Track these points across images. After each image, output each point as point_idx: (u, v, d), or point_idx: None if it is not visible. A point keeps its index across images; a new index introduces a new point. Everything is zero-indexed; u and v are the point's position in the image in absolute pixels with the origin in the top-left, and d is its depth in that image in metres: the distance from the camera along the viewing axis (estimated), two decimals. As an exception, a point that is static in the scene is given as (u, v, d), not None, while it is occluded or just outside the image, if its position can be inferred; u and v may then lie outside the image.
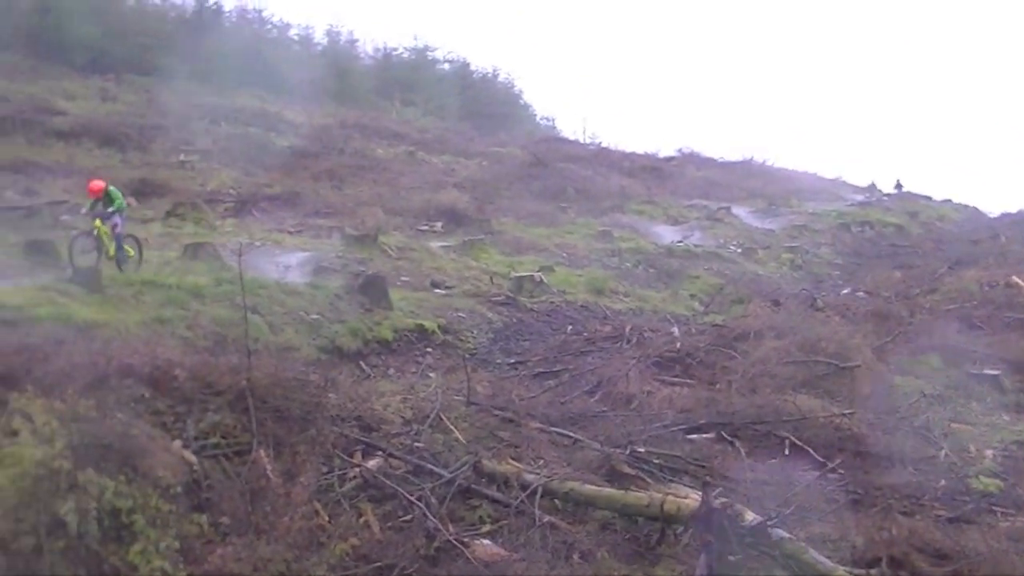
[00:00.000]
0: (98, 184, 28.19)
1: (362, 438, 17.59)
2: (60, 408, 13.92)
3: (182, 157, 55.31)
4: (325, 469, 16.23)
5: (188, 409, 16.17)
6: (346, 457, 16.81)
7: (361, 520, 15.41)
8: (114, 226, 27.64)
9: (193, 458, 15.13)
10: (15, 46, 73.09)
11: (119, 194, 28.53)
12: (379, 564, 14.34)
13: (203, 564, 13.36)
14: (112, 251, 27.55)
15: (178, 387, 16.37)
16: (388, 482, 16.27)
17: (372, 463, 16.76)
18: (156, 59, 72.63)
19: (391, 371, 24.53)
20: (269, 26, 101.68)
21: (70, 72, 68.76)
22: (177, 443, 15.26)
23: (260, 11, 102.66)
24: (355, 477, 16.37)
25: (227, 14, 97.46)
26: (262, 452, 15.70)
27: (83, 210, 29.05)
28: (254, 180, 52.26)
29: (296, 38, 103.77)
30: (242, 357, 17.64)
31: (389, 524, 15.51)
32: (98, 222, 27.53)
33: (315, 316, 25.99)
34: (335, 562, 14.04)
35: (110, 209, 27.66)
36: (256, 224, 41.78)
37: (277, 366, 17.94)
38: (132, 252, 28.44)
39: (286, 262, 30.95)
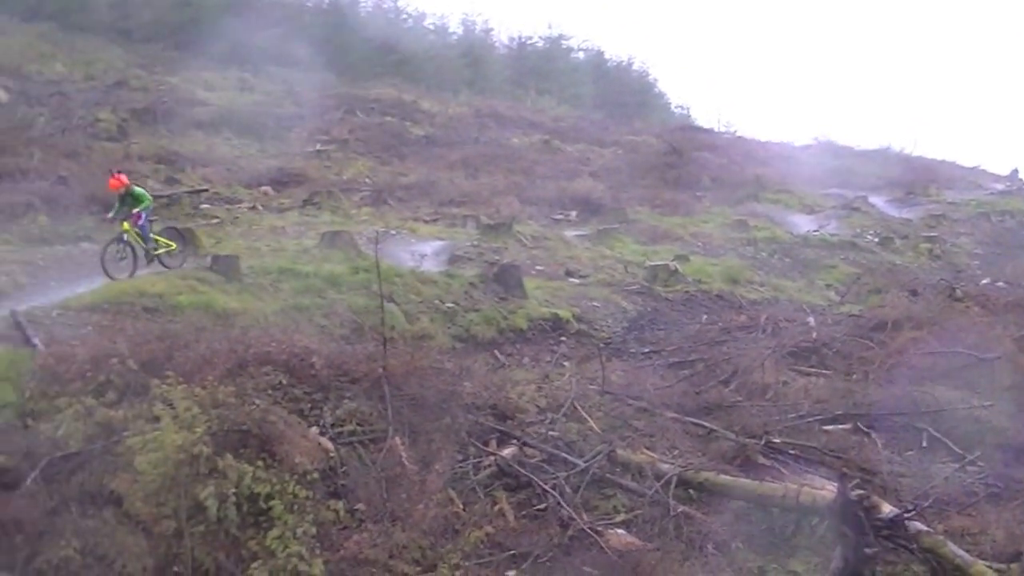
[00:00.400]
0: (117, 180, 25.98)
1: (497, 426, 17.68)
2: (200, 394, 14.21)
3: (318, 147, 55.79)
4: (460, 457, 16.38)
5: (325, 396, 16.44)
6: (481, 445, 16.93)
7: (495, 508, 15.51)
8: (136, 218, 25.50)
9: (330, 445, 15.35)
10: (157, 38, 74.49)
11: (145, 194, 26.47)
12: (513, 552, 14.45)
13: (339, 550, 13.55)
14: (150, 251, 25.85)
15: (315, 374, 16.63)
16: (522, 471, 16.34)
17: (507, 451, 16.82)
18: (293, 50, 73.31)
19: (526, 360, 24.51)
20: (404, 16, 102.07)
21: (210, 63, 69.68)
22: (314, 430, 15.49)
23: (395, 1, 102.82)
24: (490, 465, 16.46)
25: (363, 4, 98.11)
26: (398, 439, 15.87)
27: (108, 215, 26.72)
28: (390, 169, 52.62)
29: (431, 28, 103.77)
30: (378, 345, 17.87)
31: (523, 512, 15.61)
32: (126, 225, 25.33)
33: (450, 304, 26.09)
34: (470, 549, 14.14)
35: (136, 210, 25.58)
36: (392, 213, 42.06)
37: (413, 354, 18.11)
38: (174, 245, 26.77)
39: (421, 250, 31.06)
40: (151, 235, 26.13)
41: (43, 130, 48.23)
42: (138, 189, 26.33)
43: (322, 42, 76.45)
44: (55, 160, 40.61)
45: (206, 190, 41.03)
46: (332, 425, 15.88)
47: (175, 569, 13.08)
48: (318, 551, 13.33)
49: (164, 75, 65.89)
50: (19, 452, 14.23)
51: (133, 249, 25.31)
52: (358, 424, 16.13)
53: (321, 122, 60.31)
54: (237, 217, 37.50)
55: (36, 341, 19.20)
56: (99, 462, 14.14)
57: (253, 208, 39.58)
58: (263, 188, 43.88)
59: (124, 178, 26.11)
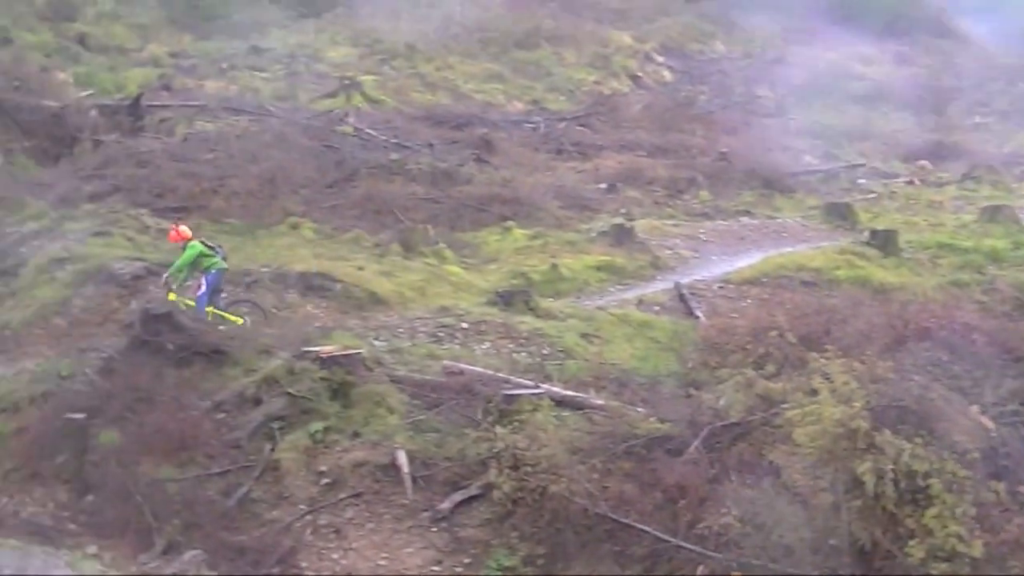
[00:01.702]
0: (177, 233, 21.76)
1: None
2: (859, 369, 14.22)
3: (978, 119, 54.35)
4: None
5: (986, 374, 16.02)
6: None
7: None
8: (196, 286, 21.07)
9: (991, 424, 14.94)
10: (810, 15, 74.94)
11: (196, 249, 21.13)
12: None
13: (999, 533, 13.19)
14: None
15: (975, 352, 16.25)
16: None
17: None
18: (953, 20, 71.63)
19: None
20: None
21: (867, 37, 69.40)
22: (974, 408, 15.13)
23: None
24: None
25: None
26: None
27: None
28: (1056, 140, 50.42)
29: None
30: (1048, 324, 17.27)
31: None
32: (172, 295, 21.01)
33: None
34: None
35: (192, 268, 21.15)
36: (1058, 187, 40.30)
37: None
38: (241, 321, 21.18)
39: (1089, 225, 29.63)
40: (207, 308, 21.04)
41: (704, 107, 50.06)
42: (194, 244, 21.27)
43: (984, 11, 74.23)
44: (716, 136, 42.03)
45: (863, 164, 41.29)
46: (993, 404, 15.47)
47: (831, 542, 13.21)
48: (977, 532, 13.03)
49: (821, 51, 66.36)
50: (683, 420, 14.89)
51: None
52: (1020, 404, 15.65)
53: (981, 94, 58.66)
54: (894, 191, 37.28)
55: (698, 313, 19.98)
56: (758, 433, 14.55)
57: (910, 182, 39.18)
58: (920, 162, 43.33)
59: (184, 231, 21.85)
